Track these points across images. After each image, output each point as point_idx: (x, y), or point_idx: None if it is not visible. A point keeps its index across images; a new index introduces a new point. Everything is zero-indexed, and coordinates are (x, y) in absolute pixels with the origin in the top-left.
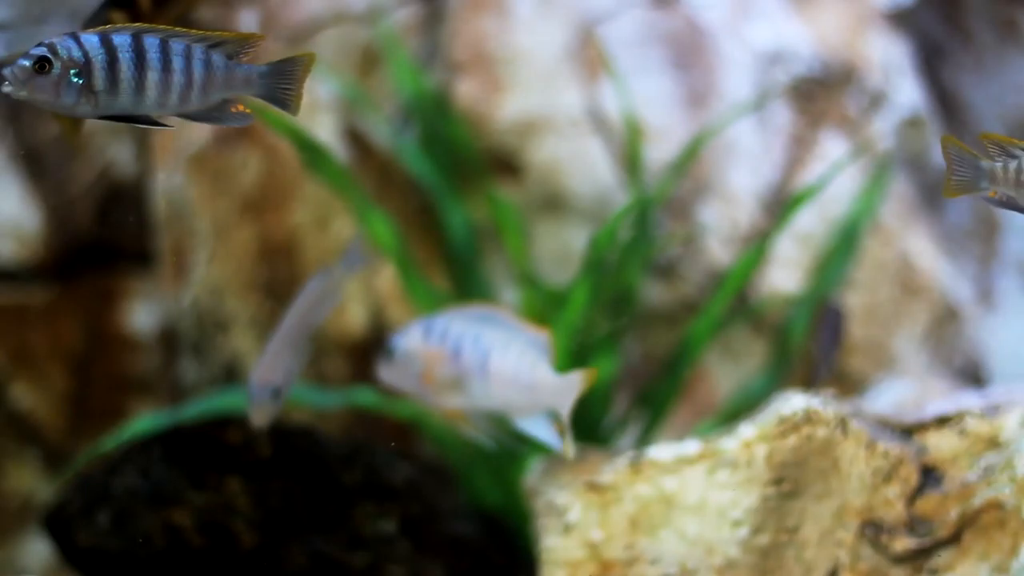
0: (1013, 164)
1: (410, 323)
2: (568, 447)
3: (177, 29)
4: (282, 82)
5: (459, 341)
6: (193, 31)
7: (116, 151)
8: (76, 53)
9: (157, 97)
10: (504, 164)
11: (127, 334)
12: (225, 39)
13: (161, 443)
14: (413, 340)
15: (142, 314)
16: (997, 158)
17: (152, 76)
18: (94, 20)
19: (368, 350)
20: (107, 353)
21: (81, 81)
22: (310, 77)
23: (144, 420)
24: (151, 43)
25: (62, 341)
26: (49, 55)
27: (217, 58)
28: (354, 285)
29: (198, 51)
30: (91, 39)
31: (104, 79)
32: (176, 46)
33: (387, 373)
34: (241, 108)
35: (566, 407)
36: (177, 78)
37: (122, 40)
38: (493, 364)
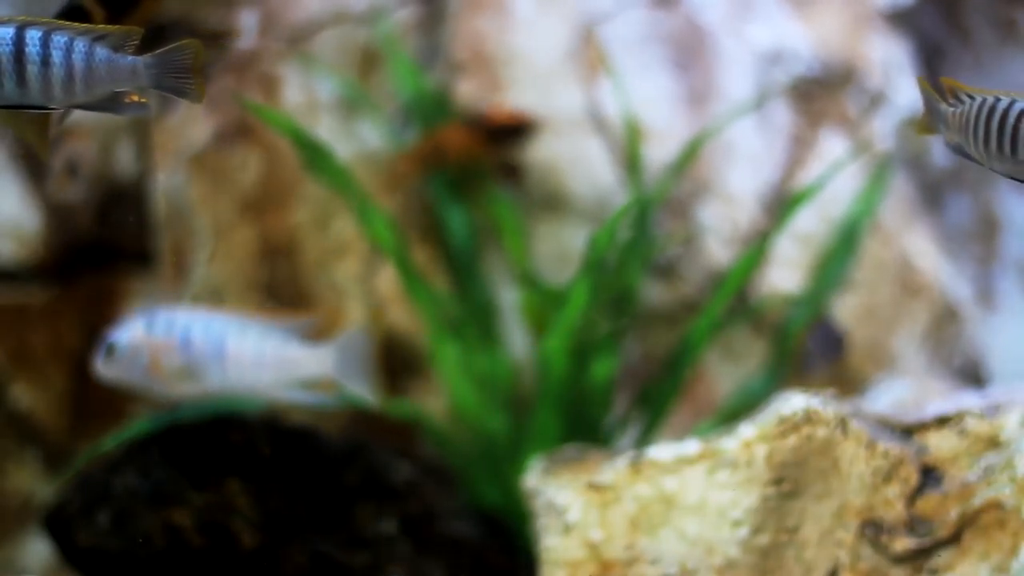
0: (959, 109)
1: (128, 319)
2: (372, 397)
3: (62, 23)
4: (173, 71)
5: (187, 331)
6: (77, 24)
7: (116, 151)
8: None
9: (40, 89)
10: (504, 164)
11: None
12: (108, 32)
13: (161, 443)
14: (136, 334)
15: None
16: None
17: (32, 69)
18: None
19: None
20: None
21: None
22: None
23: (144, 420)
24: (32, 36)
25: (62, 341)
26: None
27: (100, 51)
28: (354, 285)
29: (79, 44)
30: None
31: None
32: (58, 39)
33: (110, 369)
34: (136, 98)
35: (338, 370)
36: (57, 71)
37: (5, 33)
38: (231, 348)
